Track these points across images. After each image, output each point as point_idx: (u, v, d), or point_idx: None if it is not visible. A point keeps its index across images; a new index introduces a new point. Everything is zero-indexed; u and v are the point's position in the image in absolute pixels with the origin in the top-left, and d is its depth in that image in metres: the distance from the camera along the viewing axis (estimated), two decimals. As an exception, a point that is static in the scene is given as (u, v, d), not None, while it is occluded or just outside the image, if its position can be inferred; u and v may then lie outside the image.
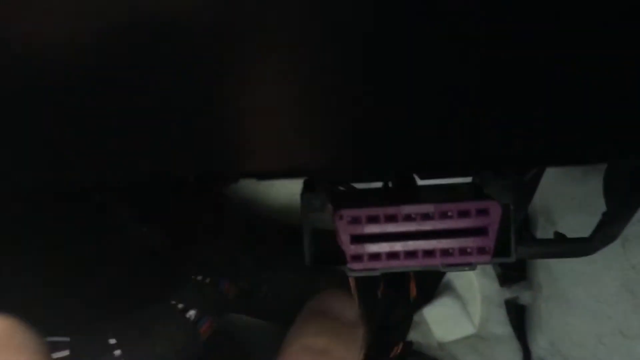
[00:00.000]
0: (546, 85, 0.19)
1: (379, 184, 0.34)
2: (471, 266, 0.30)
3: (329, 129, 0.21)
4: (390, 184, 0.34)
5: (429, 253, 0.29)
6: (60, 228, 0.43)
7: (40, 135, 0.19)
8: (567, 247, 0.37)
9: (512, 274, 0.57)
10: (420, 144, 0.22)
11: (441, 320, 0.56)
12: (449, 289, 0.57)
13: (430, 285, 0.57)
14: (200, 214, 0.45)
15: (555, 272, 0.55)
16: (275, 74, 0.18)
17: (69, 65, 0.17)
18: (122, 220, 0.45)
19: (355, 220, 0.28)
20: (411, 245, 0.28)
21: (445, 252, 0.29)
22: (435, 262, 0.29)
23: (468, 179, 0.32)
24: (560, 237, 0.38)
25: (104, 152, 0.20)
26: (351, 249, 0.28)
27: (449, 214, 0.28)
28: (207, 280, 0.40)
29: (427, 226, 0.28)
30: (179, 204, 0.46)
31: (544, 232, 0.57)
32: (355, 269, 0.29)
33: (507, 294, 0.57)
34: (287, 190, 0.52)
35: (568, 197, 0.55)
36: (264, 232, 0.49)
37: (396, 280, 0.50)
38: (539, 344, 0.57)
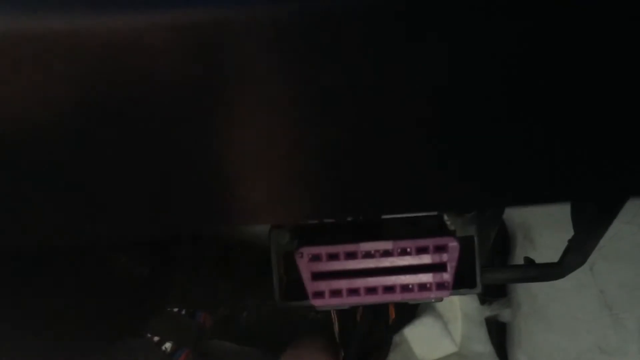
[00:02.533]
0: (505, 133, 0.20)
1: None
2: (436, 299, 0.30)
3: (293, 181, 0.21)
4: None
5: (389, 288, 0.29)
6: (35, 259, 0.43)
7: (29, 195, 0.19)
8: (535, 272, 0.38)
9: (492, 292, 0.58)
10: (387, 191, 0.22)
11: (422, 340, 0.57)
12: (429, 308, 0.57)
13: (411, 305, 0.58)
14: (177, 243, 0.46)
15: (535, 290, 0.55)
16: (235, 134, 0.19)
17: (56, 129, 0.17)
18: (99, 250, 0.45)
19: (316, 258, 0.29)
20: (371, 281, 0.29)
21: (405, 288, 0.29)
22: (396, 297, 0.29)
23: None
24: (529, 262, 0.39)
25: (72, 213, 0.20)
26: (312, 285, 0.29)
27: (408, 250, 0.29)
28: (183, 312, 0.41)
29: (386, 263, 0.29)
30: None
31: (522, 248, 0.58)
32: (318, 305, 0.29)
33: (488, 312, 0.57)
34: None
35: (545, 215, 0.56)
36: (242, 257, 0.50)
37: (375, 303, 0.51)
38: (520, 361, 0.57)
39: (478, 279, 0.31)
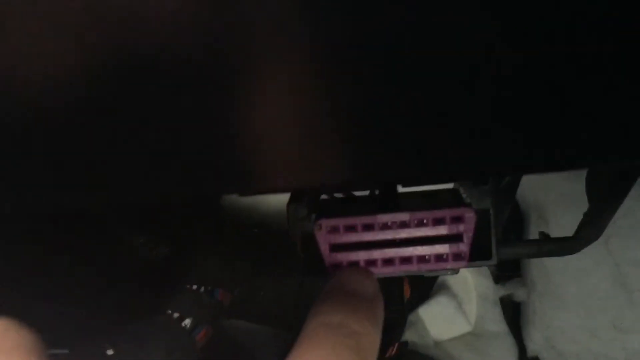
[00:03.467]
0: (522, 93, 0.20)
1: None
2: (453, 271, 0.31)
3: (315, 146, 0.21)
4: (377, 192, 0.35)
5: (406, 260, 0.29)
6: (60, 239, 0.44)
7: (43, 157, 0.19)
8: (550, 246, 0.38)
9: (507, 271, 0.58)
10: (405, 158, 0.22)
11: (437, 319, 0.57)
12: (444, 288, 0.58)
13: (426, 285, 0.58)
14: (195, 223, 0.46)
15: (549, 268, 0.56)
16: (259, 95, 0.19)
17: (68, 90, 0.18)
18: (120, 231, 0.46)
19: (334, 230, 0.29)
20: (388, 252, 0.29)
21: (422, 259, 0.29)
22: (413, 268, 0.29)
23: (449, 185, 0.33)
24: (544, 237, 0.39)
25: (102, 174, 0.20)
26: (331, 257, 0.29)
27: (425, 221, 0.29)
28: (202, 289, 0.42)
29: (403, 234, 0.29)
30: (175, 214, 0.47)
31: (536, 228, 0.58)
32: (336, 277, 0.30)
33: (502, 291, 0.57)
34: (280, 197, 0.52)
35: (559, 194, 0.56)
36: (260, 237, 0.50)
37: (389, 281, 0.51)
38: (534, 339, 0.57)
39: (494, 250, 0.31)
